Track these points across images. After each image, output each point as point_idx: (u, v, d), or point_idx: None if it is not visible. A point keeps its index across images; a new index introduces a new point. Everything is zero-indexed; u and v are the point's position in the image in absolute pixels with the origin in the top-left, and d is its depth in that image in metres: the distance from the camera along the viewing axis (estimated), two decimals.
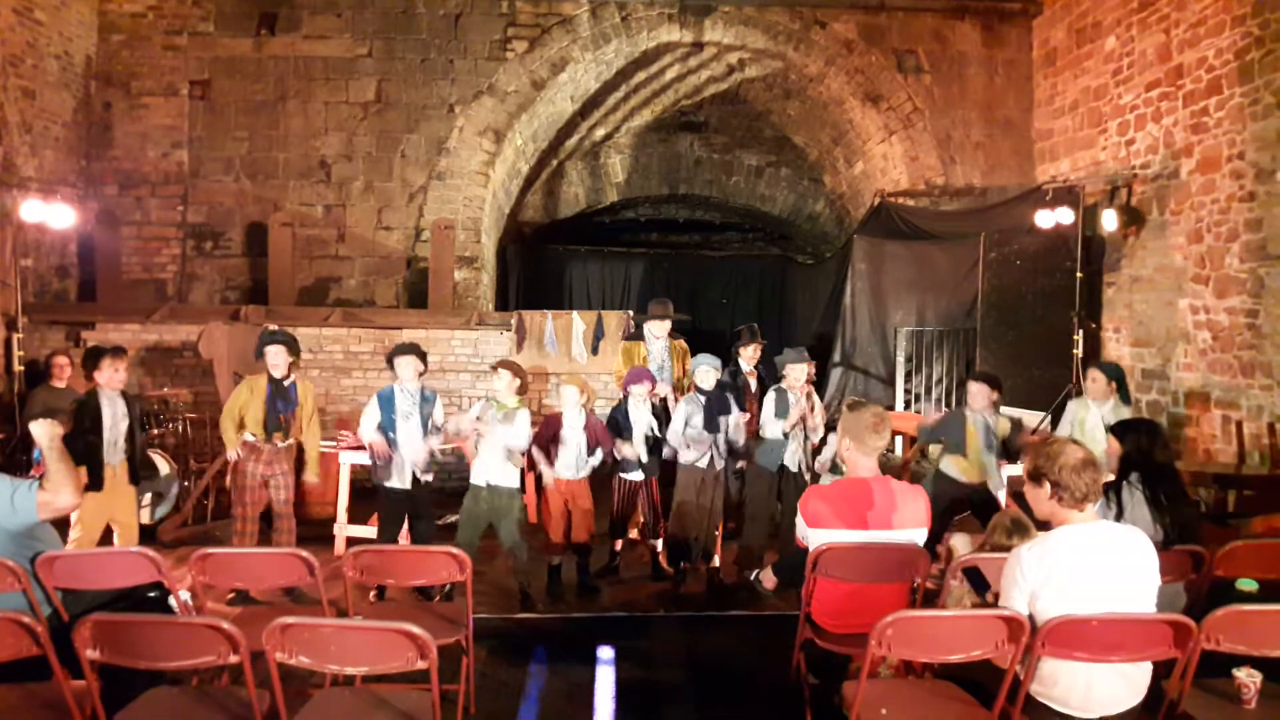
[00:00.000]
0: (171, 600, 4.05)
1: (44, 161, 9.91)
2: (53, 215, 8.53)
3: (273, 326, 7.64)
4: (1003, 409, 8.03)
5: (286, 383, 6.35)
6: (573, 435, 6.16)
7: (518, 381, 6.05)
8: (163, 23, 10.89)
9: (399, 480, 6.11)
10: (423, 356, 6.24)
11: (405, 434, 6.07)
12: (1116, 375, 6.71)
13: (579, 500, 6.21)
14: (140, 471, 6.32)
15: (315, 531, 7.31)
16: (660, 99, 13.19)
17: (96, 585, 3.87)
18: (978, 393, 6.48)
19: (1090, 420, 6.58)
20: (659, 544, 6.71)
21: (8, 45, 9.21)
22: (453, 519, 6.49)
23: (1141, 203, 9.33)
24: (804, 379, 6.50)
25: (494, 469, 5.93)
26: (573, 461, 6.18)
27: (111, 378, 6.04)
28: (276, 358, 6.30)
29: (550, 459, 6.18)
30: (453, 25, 11.10)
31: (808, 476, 6.52)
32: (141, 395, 6.65)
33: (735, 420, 6.35)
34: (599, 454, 6.24)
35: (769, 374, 7.13)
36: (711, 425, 6.26)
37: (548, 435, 6.20)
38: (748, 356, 7.32)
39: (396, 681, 3.62)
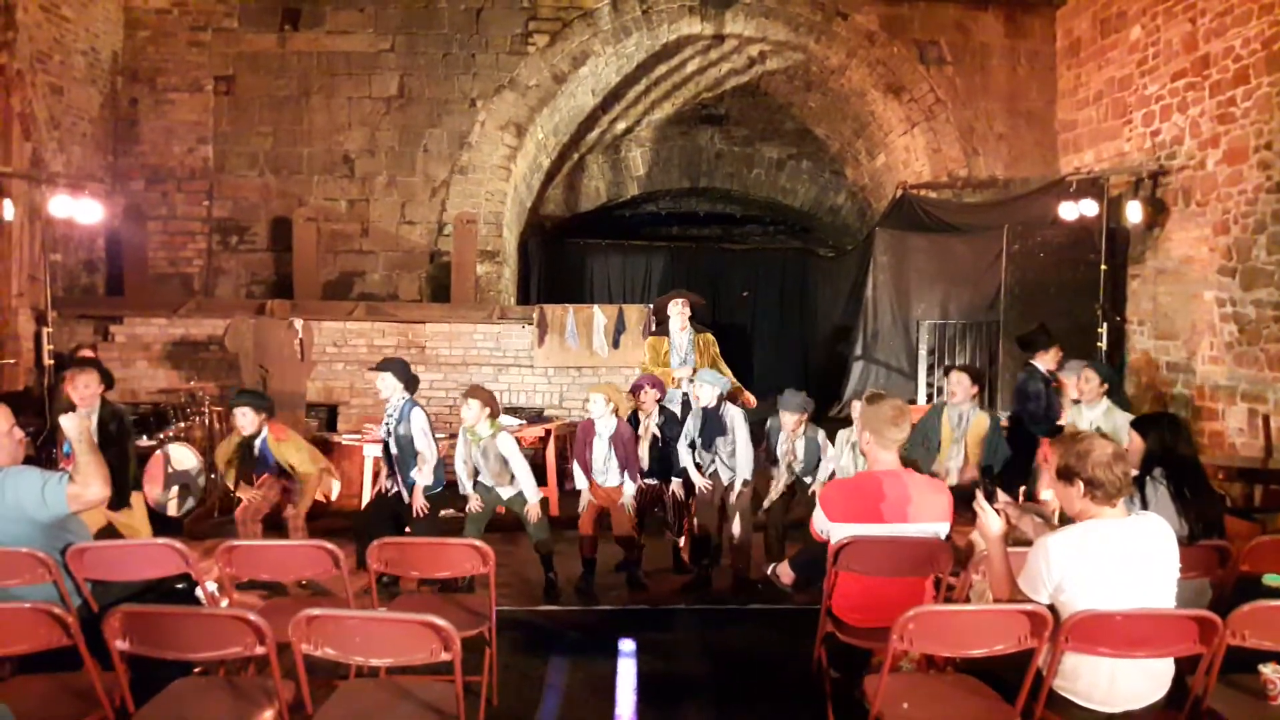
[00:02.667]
0: (199, 592, 4.10)
1: (71, 157, 10.01)
2: (80, 210, 8.61)
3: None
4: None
5: (256, 441, 6.20)
6: (602, 444, 6.22)
7: (488, 409, 6.02)
8: (188, 19, 10.98)
9: (391, 490, 6.10)
10: (403, 374, 6.05)
11: (392, 450, 6.05)
12: (1109, 377, 6.58)
13: (616, 500, 6.24)
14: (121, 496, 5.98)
15: (339, 524, 7.37)
16: (681, 92, 13.17)
17: (125, 576, 3.92)
18: (959, 383, 6.44)
19: (1082, 426, 6.21)
20: (681, 540, 6.73)
21: (35, 42, 9.31)
22: (452, 513, 6.56)
23: (1167, 194, 9.24)
24: (793, 425, 6.34)
25: (490, 479, 6.03)
26: (603, 467, 6.24)
27: (74, 394, 5.86)
28: (243, 419, 6.15)
29: (586, 468, 6.26)
30: (474, 20, 11.12)
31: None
32: (122, 411, 6.27)
33: (733, 445, 6.29)
34: (629, 483, 6.21)
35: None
36: (708, 445, 6.29)
37: (582, 443, 6.27)
38: (1048, 361, 7.12)
39: (420, 673, 3.65)
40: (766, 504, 6.45)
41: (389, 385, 6.01)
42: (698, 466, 6.36)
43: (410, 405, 6.04)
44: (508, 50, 11.13)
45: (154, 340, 9.68)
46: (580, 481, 6.34)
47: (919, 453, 6.48)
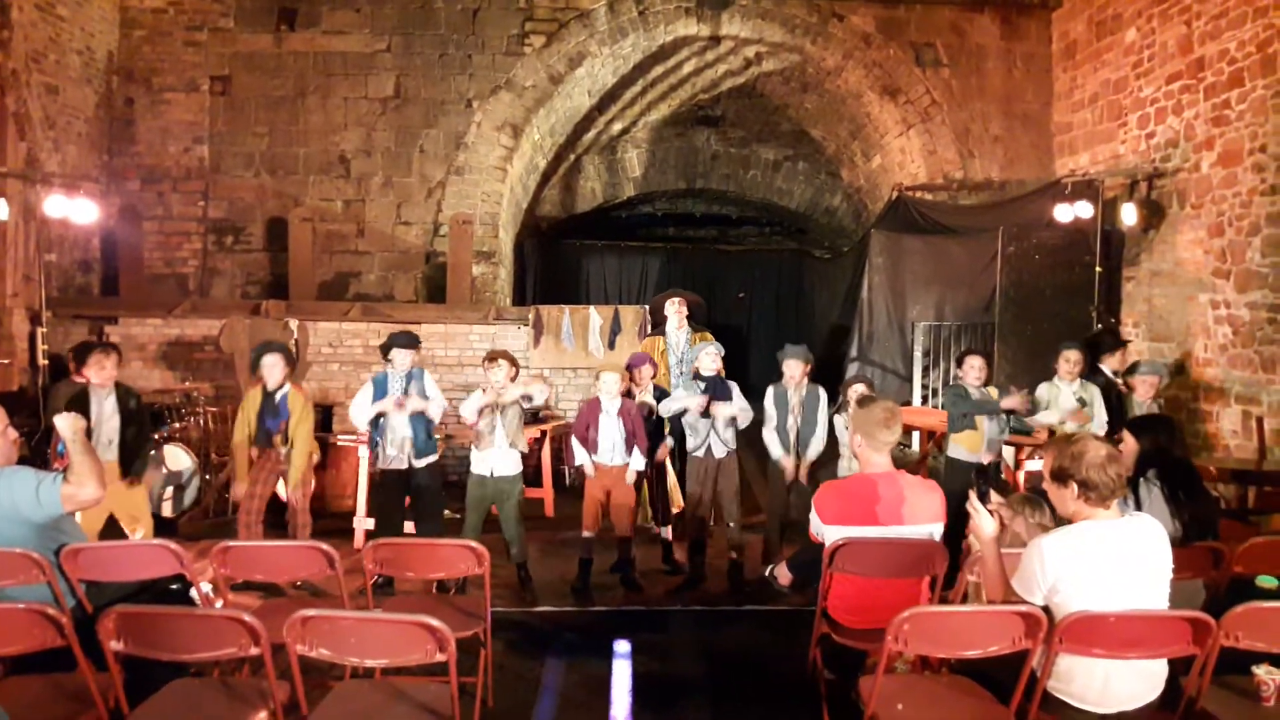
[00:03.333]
0: (193, 592, 4.09)
1: (67, 157, 9.99)
2: (76, 210, 8.60)
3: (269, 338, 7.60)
4: None
5: (278, 395, 6.29)
6: (609, 421, 6.24)
7: (514, 370, 6.19)
8: (183, 18, 10.96)
9: (396, 462, 6.15)
10: (417, 346, 6.35)
11: (396, 415, 6.13)
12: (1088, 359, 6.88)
13: (617, 492, 6.24)
14: (137, 465, 6.28)
15: (335, 525, 7.38)
16: (677, 93, 13.18)
17: (120, 577, 3.92)
18: (979, 367, 6.57)
19: (1063, 400, 6.71)
20: (668, 532, 6.74)
21: (31, 41, 9.29)
22: (452, 514, 6.58)
23: (1161, 196, 9.26)
24: (799, 375, 6.45)
25: (496, 459, 6.02)
26: (610, 446, 6.24)
27: (99, 373, 6.06)
28: (273, 370, 6.27)
29: (589, 447, 6.26)
30: (470, 20, 11.12)
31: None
32: (135, 391, 6.47)
33: (731, 410, 6.33)
34: (638, 455, 6.25)
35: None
36: (705, 412, 6.29)
37: (585, 421, 6.28)
38: (1113, 363, 7.13)
39: (415, 674, 3.65)
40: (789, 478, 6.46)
41: (409, 358, 6.26)
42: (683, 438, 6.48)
43: (420, 370, 6.32)
44: (504, 51, 11.13)
45: (149, 340, 9.67)
46: (580, 456, 6.30)
47: (959, 426, 6.55)
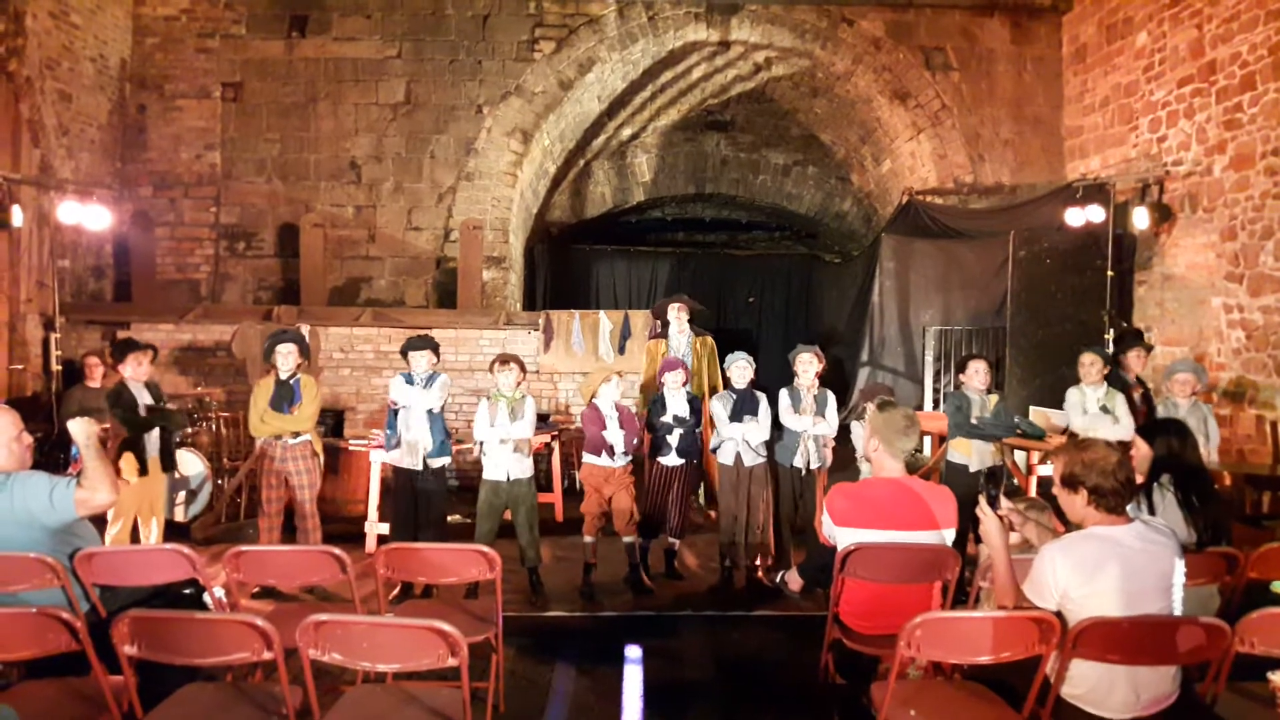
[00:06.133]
0: (206, 597, 4.10)
1: (80, 164, 10.06)
2: (89, 217, 8.66)
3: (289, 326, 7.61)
4: (1033, 409, 7.98)
5: (291, 381, 6.32)
6: (611, 426, 6.26)
7: (523, 375, 6.22)
8: (196, 25, 11.03)
9: (409, 461, 6.16)
10: (435, 350, 6.34)
11: (413, 416, 6.16)
12: (1109, 360, 6.81)
13: (619, 496, 6.24)
14: (167, 459, 6.45)
15: (346, 529, 7.39)
16: (687, 98, 13.19)
17: (133, 582, 3.93)
18: (983, 372, 6.50)
19: (1089, 405, 6.65)
20: (678, 544, 6.72)
21: (45, 49, 9.36)
22: (460, 518, 6.55)
23: (1173, 200, 9.23)
24: (813, 374, 6.43)
25: (510, 464, 6.04)
26: (620, 450, 6.27)
27: (135, 370, 6.20)
28: (287, 359, 6.30)
29: (603, 450, 6.27)
30: (481, 26, 11.16)
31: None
32: (158, 384, 6.60)
33: (760, 420, 6.32)
34: (632, 440, 6.30)
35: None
36: (738, 417, 6.28)
37: (598, 424, 6.29)
38: (1131, 363, 7.06)
39: (427, 679, 3.66)
40: (815, 464, 6.44)
41: (426, 361, 6.26)
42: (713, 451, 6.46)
43: (443, 376, 6.33)
44: (514, 57, 11.17)
45: (161, 346, 9.65)
46: (587, 447, 6.29)
47: (956, 435, 6.47)
